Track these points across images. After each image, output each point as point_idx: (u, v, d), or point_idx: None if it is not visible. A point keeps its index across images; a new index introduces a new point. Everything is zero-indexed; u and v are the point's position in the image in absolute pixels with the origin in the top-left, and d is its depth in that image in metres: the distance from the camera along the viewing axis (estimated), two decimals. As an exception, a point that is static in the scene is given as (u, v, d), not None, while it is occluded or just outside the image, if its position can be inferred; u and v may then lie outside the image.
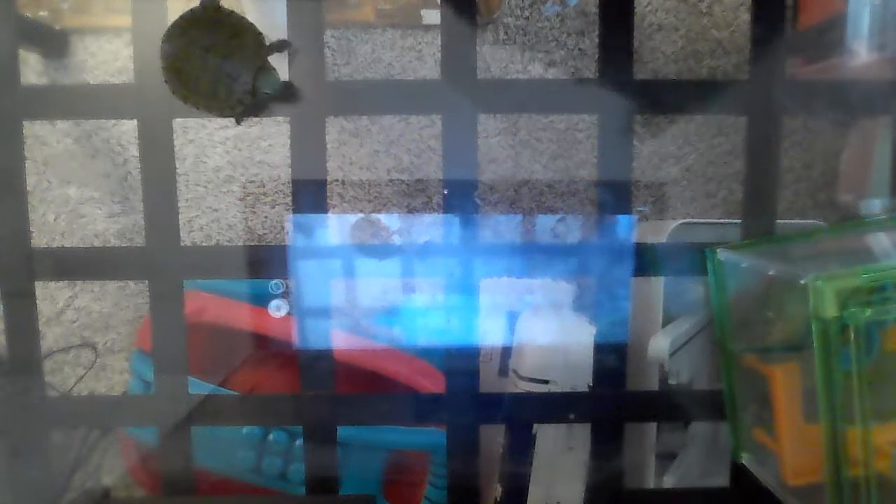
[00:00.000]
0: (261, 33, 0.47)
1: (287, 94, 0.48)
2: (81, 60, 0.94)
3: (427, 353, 0.75)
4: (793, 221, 0.66)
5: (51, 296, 0.96)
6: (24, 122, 0.49)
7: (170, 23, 0.46)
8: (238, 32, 0.46)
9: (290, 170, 0.49)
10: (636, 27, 0.48)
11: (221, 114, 0.47)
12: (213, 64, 0.45)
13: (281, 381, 0.74)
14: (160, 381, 0.51)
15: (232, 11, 0.46)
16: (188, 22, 0.46)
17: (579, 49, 0.94)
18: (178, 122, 0.49)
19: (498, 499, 0.70)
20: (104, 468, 0.92)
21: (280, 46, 0.48)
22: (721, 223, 0.70)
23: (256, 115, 0.49)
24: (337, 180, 0.95)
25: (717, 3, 0.95)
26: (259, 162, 0.95)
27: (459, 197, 0.49)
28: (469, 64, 0.48)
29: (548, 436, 0.68)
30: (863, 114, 0.50)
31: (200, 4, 0.46)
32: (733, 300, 0.48)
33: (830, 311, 0.35)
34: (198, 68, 0.45)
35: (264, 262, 0.50)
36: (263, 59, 0.46)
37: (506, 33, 0.94)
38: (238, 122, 0.48)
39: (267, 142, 0.95)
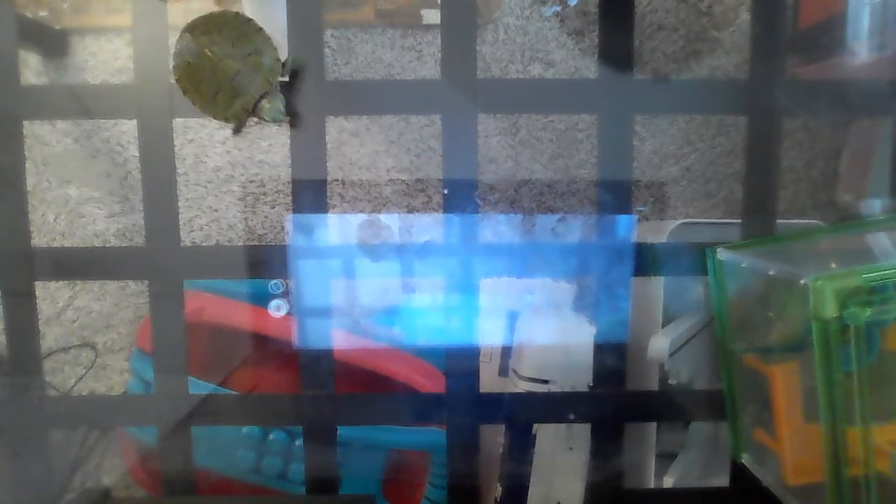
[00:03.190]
0: (279, 59, 0.46)
1: (286, 121, 0.48)
2: (81, 60, 0.94)
3: (427, 353, 0.75)
4: (793, 221, 0.66)
5: (51, 296, 0.96)
6: (24, 122, 0.49)
7: (195, 17, 0.46)
8: (259, 51, 0.46)
9: (290, 170, 0.49)
10: (636, 27, 0.48)
11: (215, 118, 0.47)
12: (222, 74, 0.45)
13: (281, 381, 0.74)
14: (160, 381, 0.51)
15: (261, 29, 0.46)
16: (215, 23, 0.45)
17: (579, 49, 0.94)
18: (178, 122, 0.49)
19: (498, 499, 0.70)
20: (104, 468, 0.92)
21: (294, 73, 0.48)
22: (721, 223, 0.70)
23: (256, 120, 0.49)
24: (337, 180, 0.95)
25: (717, 3, 0.95)
26: (259, 162, 0.95)
27: (459, 197, 0.49)
28: (469, 64, 0.48)
29: (548, 436, 0.68)
30: (863, 114, 0.50)
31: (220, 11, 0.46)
32: (733, 300, 0.48)
33: (830, 311, 0.35)
34: (207, 72, 0.45)
35: (264, 262, 0.50)
36: (274, 84, 0.46)
37: (506, 33, 0.94)
38: (236, 132, 0.48)
39: (267, 142, 0.95)
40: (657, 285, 0.65)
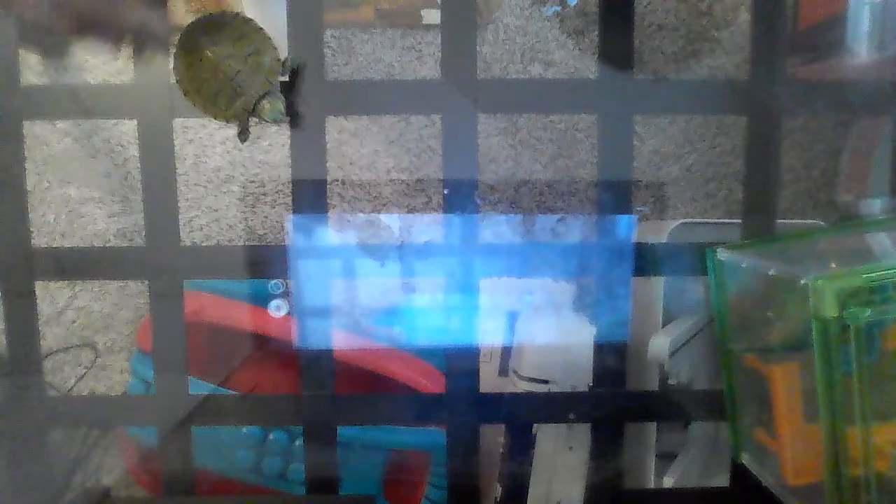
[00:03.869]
0: (279, 59, 0.46)
1: (286, 121, 0.48)
2: (81, 60, 0.94)
3: (427, 353, 0.75)
4: (793, 221, 0.66)
5: (51, 296, 0.96)
6: (24, 122, 0.49)
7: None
8: (259, 51, 0.46)
9: (290, 170, 0.49)
10: (636, 27, 0.48)
11: (216, 118, 0.47)
12: (223, 74, 0.45)
13: (281, 381, 0.74)
14: (160, 381, 0.51)
15: (261, 29, 0.46)
16: (215, 23, 0.45)
17: (579, 49, 0.94)
18: (178, 122, 0.49)
19: (498, 499, 0.70)
20: (104, 468, 0.92)
21: (294, 73, 0.48)
22: (721, 223, 0.70)
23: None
24: (337, 180, 0.95)
25: (717, 3, 0.95)
26: (259, 162, 0.95)
27: (459, 197, 0.49)
28: (469, 64, 0.48)
29: (548, 436, 0.68)
30: (863, 114, 0.50)
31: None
32: (733, 300, 0.48)
33: (830, 311, 0.35)
34: (207, 72, 0.45)
35: (264, 262, 0.50)
36: (274, 84, 0.46)
37: (506, 33, 0.94)
38: (243, 140, 0.48)
39: (267, 142, 0.95)
40: (657, 285, 0.65)
